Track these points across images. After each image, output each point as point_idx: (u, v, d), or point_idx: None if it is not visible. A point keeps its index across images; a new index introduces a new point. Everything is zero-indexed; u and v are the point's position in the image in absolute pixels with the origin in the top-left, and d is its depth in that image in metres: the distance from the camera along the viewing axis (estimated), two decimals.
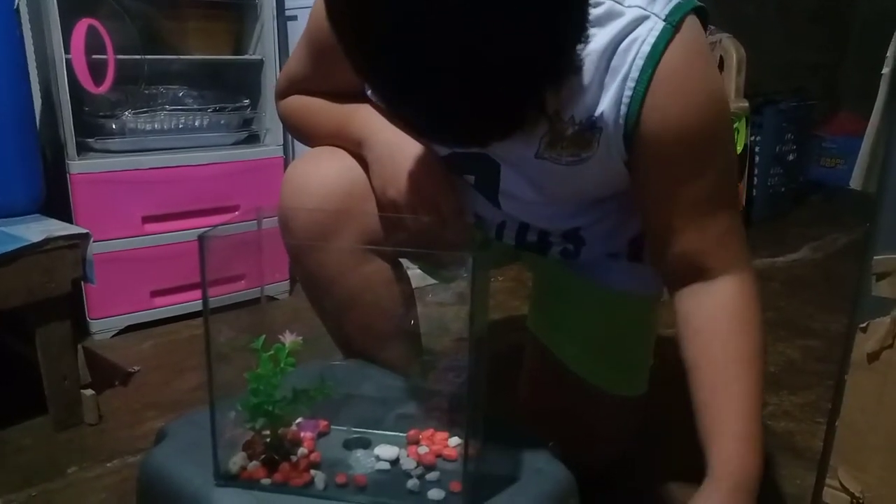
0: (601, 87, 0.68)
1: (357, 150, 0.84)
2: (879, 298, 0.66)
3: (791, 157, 2.85)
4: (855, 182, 0.78)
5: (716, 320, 0.73)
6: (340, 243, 0.82)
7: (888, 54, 0.70)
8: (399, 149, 0.80)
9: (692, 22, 0.67)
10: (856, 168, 0.77)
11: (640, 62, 0.66)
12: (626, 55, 0.66)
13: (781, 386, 1.37)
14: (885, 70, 0.71)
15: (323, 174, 0.84)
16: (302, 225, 0.83)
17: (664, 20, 0.65)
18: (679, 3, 0.67)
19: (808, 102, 2.93)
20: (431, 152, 0.80)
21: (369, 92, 0.82)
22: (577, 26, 0.55)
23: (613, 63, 0.67)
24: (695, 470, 1.08)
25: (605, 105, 0.68)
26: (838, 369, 0.71)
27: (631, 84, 0.66)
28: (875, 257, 0.65)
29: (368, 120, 0.83)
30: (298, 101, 0.91)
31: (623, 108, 0.68)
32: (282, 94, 0.94)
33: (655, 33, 0.65)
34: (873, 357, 0.67)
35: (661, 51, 0.65)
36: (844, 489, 0.71)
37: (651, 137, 0.68)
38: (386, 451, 0.66)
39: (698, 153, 0.70)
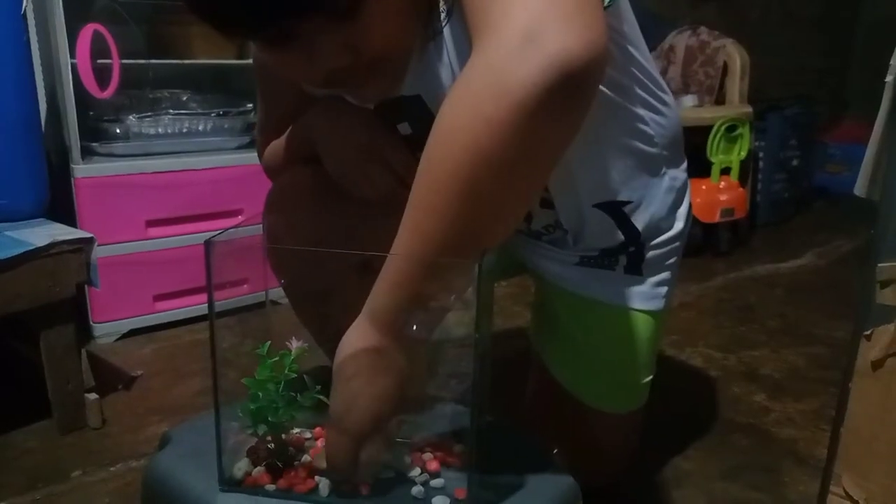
0: None
1: (309, 146, 0.85)
2: (884, 306, 0.66)
3: (795, 164, 2.86)
4: (859, 190, 0.78)
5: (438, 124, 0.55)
6: (329, 250, 0.82)
7: (892, 62, 0.70)
8: (336, 119, 0.81)
9: None
10: (860, 176, 0.77)
11: None
12: None
13: (786, 393, 1.37)
14: (889, 78, 0.71)
15: (305, 184, 0.85)
16: (286, 234, 0.83)
17: None
18: None
19: (813, 109, 2.93)
20: (366, 112, 0.80)
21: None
22: None
23: None
24: (695, 475, 1.09)
25: None
26: (842, 377, 0.71)
27: None
28: (879, 265, 0.65)
29: (309, 116, 0.85)
30: (269, 149, 0.93)
31: None
32: (260, 153, 0.96)
33: None
34: (878, 365, 0.67)
35: None
36: (848, 497, 0.71)
37: None
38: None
39: None
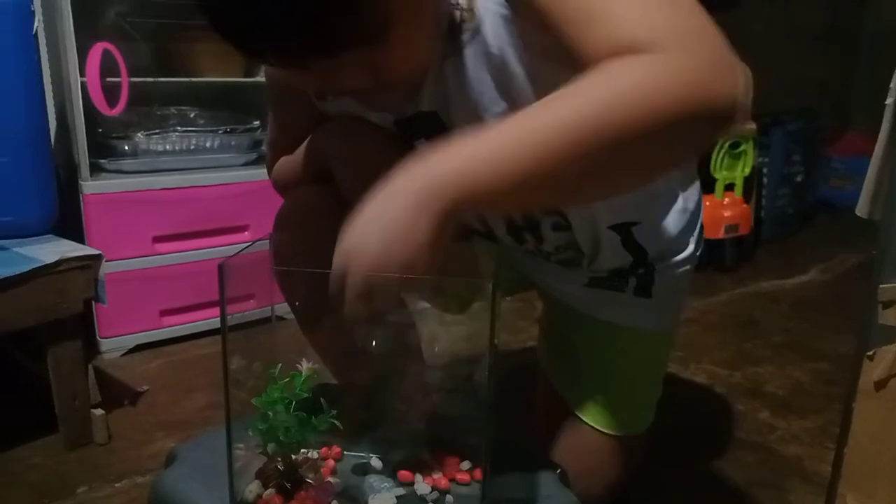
0: None
1: (322, 164, 0.85)
2: (886, 327, 0.66)
3: (799, 178, 2.86)
4: (861, 210, 0.78)
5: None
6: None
7: (892, 85, 0.70)
8: (354, 138, 0.82)
9: None
10: (861, 196, 0.77)
11: None
12: None
13: (790, 409, 1.36)
14: (889, 100, 0.71)
15: (316, 203, 0.86)
16: (295, 253, 0.83)
17: None
18: None
19: (816, 123, 2.94)
20: (384, 131, 0.81)
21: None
22: None
23: None
24: (702, 493, 1.08)
25: None
26: (846, 396, 0.71)
27: None
28: (881, 286, 0.66)
29: (322, 133, 0.85)
30: (279, 164, 0.93)
31: None
32: (270, 168, 0.95)
33: None
34: (881, 385, 0.67)
35: None
36: None
37: None
38: (400, 475, 0.66)
39: None
